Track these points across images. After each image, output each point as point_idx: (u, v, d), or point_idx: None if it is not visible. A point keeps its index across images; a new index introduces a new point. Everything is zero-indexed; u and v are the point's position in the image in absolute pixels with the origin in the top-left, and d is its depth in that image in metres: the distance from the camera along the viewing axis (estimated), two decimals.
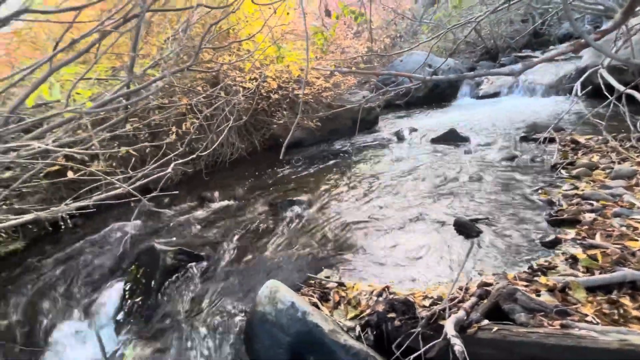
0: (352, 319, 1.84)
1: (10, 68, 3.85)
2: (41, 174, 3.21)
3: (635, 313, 1.50)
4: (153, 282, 2.43)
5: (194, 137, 3.93)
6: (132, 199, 2.14)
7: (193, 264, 2.57)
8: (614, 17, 1.95)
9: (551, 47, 9.58)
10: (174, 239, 3.04)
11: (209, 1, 4.31)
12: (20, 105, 1.99)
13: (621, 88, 3.54)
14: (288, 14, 4.21)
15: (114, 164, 3.72)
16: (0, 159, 1.98)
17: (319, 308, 1.90)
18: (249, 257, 2.62)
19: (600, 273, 1.77)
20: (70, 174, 2.72)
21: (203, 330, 1.98)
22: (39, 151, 2.17)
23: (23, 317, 2.49)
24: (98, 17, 2.76)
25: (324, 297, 2.01)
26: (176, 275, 2.47)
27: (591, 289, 1.68)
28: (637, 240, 1.94)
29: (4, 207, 3.11)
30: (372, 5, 3.04)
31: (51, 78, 1.98)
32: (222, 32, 4.57)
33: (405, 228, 2.70)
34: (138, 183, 2.30)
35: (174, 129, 4.12)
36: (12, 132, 1.88)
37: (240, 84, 4.61)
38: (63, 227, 3.37)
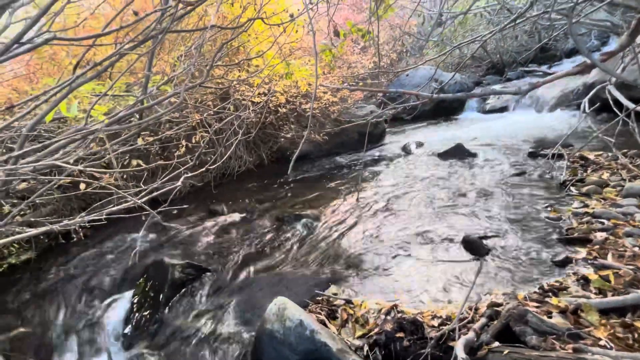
0: (359, 337, 1.83)
1: (29, 83, 4.00)
2: (54, 187, 3.29)
3: None
4: (161, 296, 2.44)
5: (203, 150, 4.00)
6: (143, 212, 2.18)
7: (201, 278, 2.58)
8: (620, 38, 1.97)
9: (557, 62, 9.62)
10: (183, 252, 3.07)
11: (220, 20, 4.46)
12: (40, 122, 2.06)
13: (631, 105, 3.53)
14: (297, 31, 4.33)
15: (124, 176, 3.80)
16: (18, 173, 2.05)
17: (326, 326, 1.89)
18: (257, 271, 2.63)
19: (612, 295, 1.74)
20: (82, 187, 2.78)
21: (211, 346, 1.98)
22: (54, 165, 2.23)
23: (32, 328, 2.52)
24: (115, 37, 2.87)
25: (332, 315, 2.00)
26: (184, 289, 2.49)
27: (604, 312, 1.65)
28: None
29: (19, 218, 3.18)
30: (379, 22, 3.11)
31: (70, 95, 2.05)
32: (233, 49, 4.70)
33: (413, 244, 2.69)
34: (148, 197, 2.34)
35: (183, 142, 4.21)
36: (32, 150, 1.94)
37: (250, 99, 4.71)
38: (74, 238, 3.42)
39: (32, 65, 3.81)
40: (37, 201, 3.38)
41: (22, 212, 3.27)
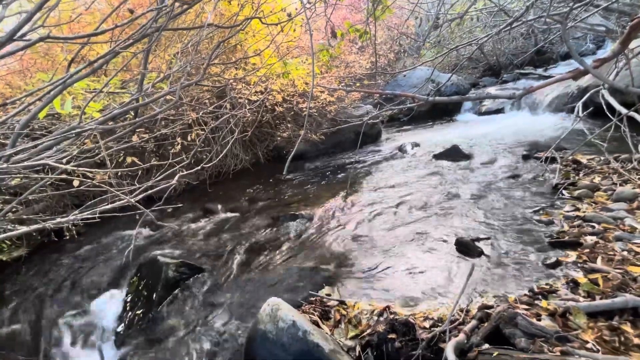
0: (352, 338, 1.84)
1: (23, 78, 3.95)
2: (47, 184, 3.26)
3: (636, 341, 1.50)
4: (154, 295, 2.44)
5: (199, 149, 3.98)
6: (137, 211, 2.18)
7: (195, 277, 2.58)
8: (613, 45, 2.00)
9: (552, 65, 9.69)
10: (177, 250, 3.06)
11: (217, 17, 4.43)
12: (33, 118, 2.04)
13: (623, 110, 3.58)
14: (294, 30, 4.32)
15: (119, 174, 3.77)
16: (9, 169, 2.03)
17: (319, 326, 1.90)
18: (251, 271, 2.63)
19: (601, 298, 1.77)
20: (75, 184, 2.76)
21: (203, 346, 1.98)
22: (46, 164, 2.22)
23: (23, 326, 2.50)
24: (111, 34, 2.84)
25: (325, 315, 2.01)
26: (178, 288, 2.49)
27: (592, 315, 1.67)
28: (638, 265, 1.94)
29: (10, 215, 3.15)
30: (376, 23, 3.11)
31: (64, 92, 2.04)
32: (230, 47, 4.68)
33: (407, 246, 2.71)
34: (143, 195, 2.33)
35: (179, 140, 4.19)
36: (26, 149, 1.93)
37: (246, 97, 4.70)
38: (67, 236, 3.40)
39: (26, 60, 3.77)
40: (29, 198, 3.35)
41: (13, 209, 3.24)
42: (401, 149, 5.62)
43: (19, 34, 1.53)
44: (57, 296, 2.72)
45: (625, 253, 2.08)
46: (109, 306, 2.57)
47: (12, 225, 2.76)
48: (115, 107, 2.52)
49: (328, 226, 3.23)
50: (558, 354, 1.44)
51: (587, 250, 2.21)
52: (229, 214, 3.76)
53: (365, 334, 1.82)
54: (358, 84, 7.22)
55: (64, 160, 2.13)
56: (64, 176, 2.47)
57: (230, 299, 2.32)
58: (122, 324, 2.38)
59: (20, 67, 3.77)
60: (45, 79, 2.65)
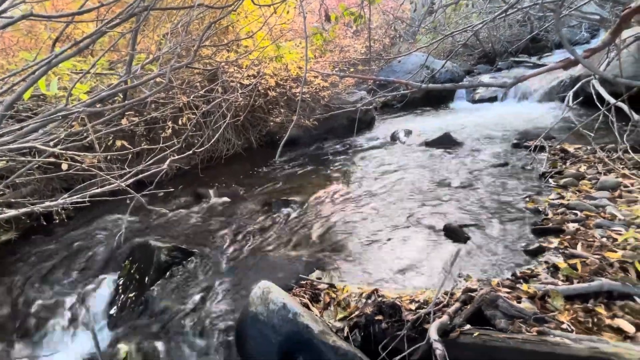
0: (341, 320, 1.91)
1: (4, 57, 3.81)
2: (35, 167, 3.21)
3: (608, 322, 1.59)
4: (147, 278, 2.47)
5: (190, 133, 3.94)
6: (128, 195, 2.17)
7: (187, 261, 2.61)
8: (603, 37, 2.02)
9: (547, 53, 9.69)
10: (168, 235, 3.08)
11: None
12: (17, 99, 1.99)
13: (612, 100, 3.64)
14: (288, 12, 4.22)
15: (108, 158, 3.72)
16: None
17: (309, 309, 1.95)
18: (242, 255, 2.66)
19: (578, 282, 1.85)
20: (64, 167, 2.73)
21: (195, 328, 2.03)
22: (31, 147, 2.18)
23: (15, 309, 2.51)
24: (97, 12, 2.75)
25: (315, 298, 2.07)
26: (170, 271, 2.51)
27: (569, 298, 1.76)
28: (615, 251, 2.02)
29: None
30: (371, 6, 3.06)
31: (49, 72, 1.98)
32: (221, 28, 4.56)
33: (397, 231, 2.76)
34: (133, 179, 2.32)
35: (170, 124, 4.12)
36: (12, 131, 1.89)
37: (239, 81, 4.62)
38: (57, 220, 3.37)
39: (7, 38, 3.62)
40: (16, 181, 3.30)
41: (1, 192, 3.19)
42: (394, 136, 5.63)
43: None
44: (48, 280, 2.72)
45: (604, 240, 2.16)
46: (101, 289, 2.59)
47: (0, 209, 2.72)
48: (103, 89, 2.47)
49: (319, 212, 3.27)
50: (535, 333, 1.51)
51: (569, 236, 2.29)
52: (221, 199, 3.76)
53: (353, 315, 1.88)
54: (352, 70, 7.14)
55: (51, 143, 2.10)
56: (51, 159, 2.44)
57: (221, 282, 2.36)
58: (115, 307, 2.41)
59: (1, 46, 3.63)
60: (29, 59, 2.57)
